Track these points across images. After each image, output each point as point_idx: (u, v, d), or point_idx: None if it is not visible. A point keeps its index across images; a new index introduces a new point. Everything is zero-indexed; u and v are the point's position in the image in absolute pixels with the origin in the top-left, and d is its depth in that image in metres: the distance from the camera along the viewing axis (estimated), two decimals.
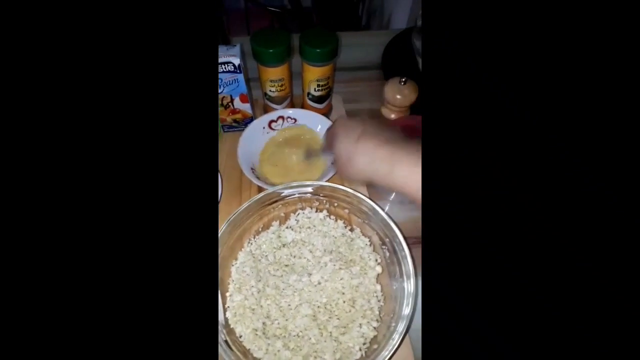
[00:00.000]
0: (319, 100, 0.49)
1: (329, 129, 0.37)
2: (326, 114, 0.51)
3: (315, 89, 0.47)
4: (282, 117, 0.49)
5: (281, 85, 0.47)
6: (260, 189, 0.45)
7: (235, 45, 0.43)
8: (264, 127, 0.48)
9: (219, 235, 0.35)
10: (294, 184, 0.39)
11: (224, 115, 0.49)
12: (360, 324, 0.34)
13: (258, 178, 0.43)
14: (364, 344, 0.33)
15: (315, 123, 0.49)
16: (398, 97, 0.46)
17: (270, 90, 0.48)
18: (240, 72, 0.43)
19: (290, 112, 0.49)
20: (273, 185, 0.41)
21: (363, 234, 0.39)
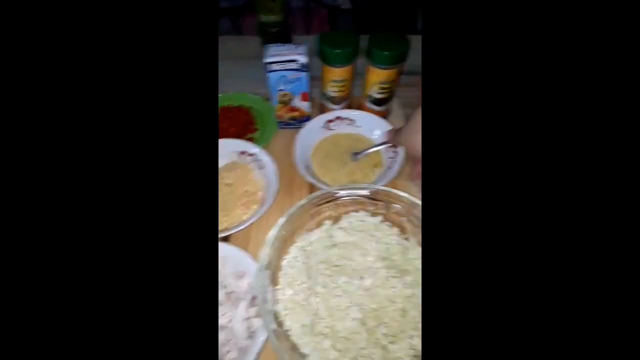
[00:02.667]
0: (379, 102, 0.49)
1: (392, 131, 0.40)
2: (384, 117, 0.51)
3: (377, 91, 0.47)
4: (339, 118, 0.49)
5: (343, 86, 0.47)
6: (312, 187, 0.45)
7: (302, 44, 0.44)
8: (321, 127, 0.49)
9: (277, 229, 0.36)
10: (350, 185, 0.38)
11: (282, 112, 0.50)
12: (411, 336, 0.33)
13: (313, 177, 0.43)
14: (415, 356, 0.32)
15: (372, 125, 0.48)
16: None
17: (331, 91, 0.48)
18: (306, 71, 0.44)
19: (349, 113, 0.49)
20: (326, 184, 0.41)
21: (419, 245, 0.38)
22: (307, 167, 0.45)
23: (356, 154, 0.46)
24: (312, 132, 0.48)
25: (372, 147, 0.45)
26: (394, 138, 0.41)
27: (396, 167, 0.42)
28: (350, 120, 0.49)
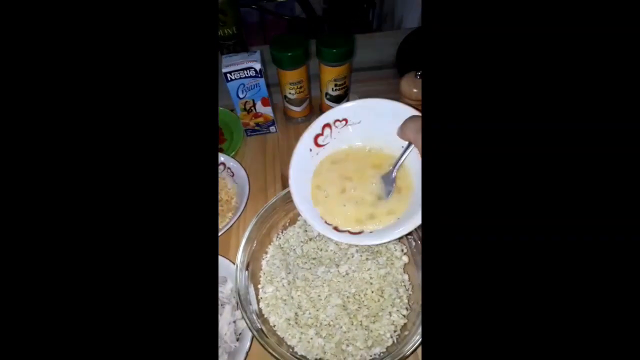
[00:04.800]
0: (337, 99, 0.51)
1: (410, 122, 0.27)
2: None
3: (333, 88, 0.49)
4: (328, 126, 0.31)
5: (300, 88, 0.49)
6: (284, 186, 0.47)
7: (255, 52, 0.46)
8: (310, 149, 0.32)
9: (249, 230, 0.37)
10: None
11: (246, 120, 0.52)
12: (390, 313, 0.34)
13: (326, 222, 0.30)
14: (395, 331, 0.34)
15: (376, 111, 0.30)
16: (414, 90, 0.47)
17: (289, 93, 0.50)
18: (262, 77, 0.46)
19: (336, 112, 0.31)
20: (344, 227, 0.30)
21: None
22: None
23: (387, 181, 0.30)
24: (304, 160, 0.32)
25: (401, 156, 0.29)
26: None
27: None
28: (343, 120, 0.31)
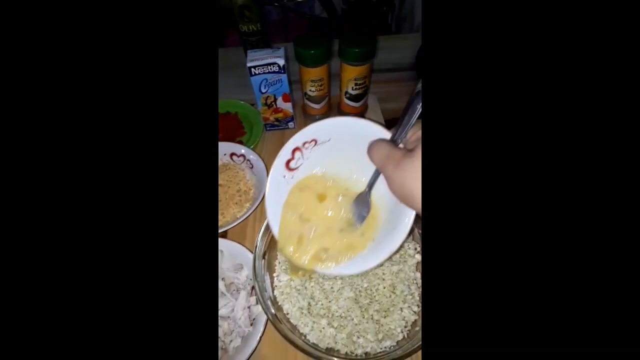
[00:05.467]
0: (356, 98, 0.52)
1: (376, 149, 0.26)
2: (362, 112, 0.54)
3: (353, 87, 0.50)
4: (298, 149, 0.31)
5: (321, 85, 0.50)
6: None
7: (280, 48, 0.47)
8: (284, 176, 0.31)
9: (267, 222, 0.38)
10: None
11: (267, 114, 0.53)
12: (401, 308, 0.35)
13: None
14: (405, 326, 0.34)
15: (345, 130, 0.29)
16: None
17: (310, 90, 0.51)
18: (285, 73, 0.47)
19: (303, 134, 0.30)
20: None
21: None
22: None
23: (360, 204, 0.31)
24: (279, 187, 0.32)
25: (373, 178, 0.29)
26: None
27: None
28: (312, 141, 0.30)
